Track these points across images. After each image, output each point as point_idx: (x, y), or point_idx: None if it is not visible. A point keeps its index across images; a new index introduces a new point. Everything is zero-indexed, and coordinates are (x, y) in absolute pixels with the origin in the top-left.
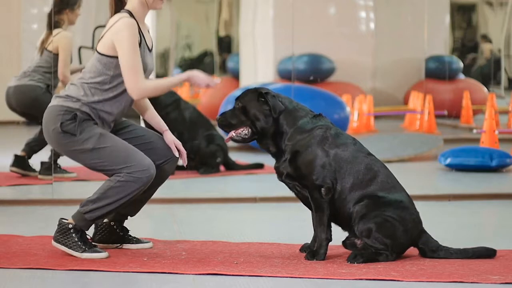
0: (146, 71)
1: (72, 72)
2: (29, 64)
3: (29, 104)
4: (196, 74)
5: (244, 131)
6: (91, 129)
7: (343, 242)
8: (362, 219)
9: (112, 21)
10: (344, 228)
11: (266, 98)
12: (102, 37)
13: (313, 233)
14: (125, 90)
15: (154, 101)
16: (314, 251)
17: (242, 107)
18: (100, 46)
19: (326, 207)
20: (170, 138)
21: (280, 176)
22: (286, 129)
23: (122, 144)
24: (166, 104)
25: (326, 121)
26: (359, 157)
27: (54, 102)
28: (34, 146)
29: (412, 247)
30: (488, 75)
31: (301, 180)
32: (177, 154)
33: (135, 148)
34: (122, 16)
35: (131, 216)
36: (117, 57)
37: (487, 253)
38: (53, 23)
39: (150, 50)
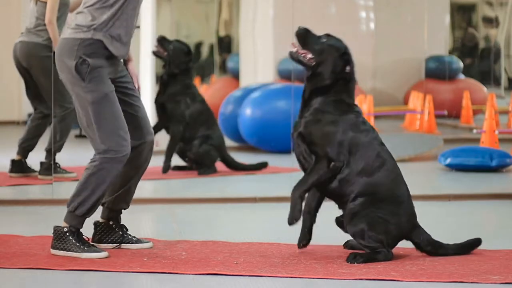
0: None
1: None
2: (29, 15)
3: (35, 62)
4: None
5: (306, 58)
6: (99, 82)
7: (344, 244)
8: (353, 219)
9: None
10: (339, 206)
11: (349, 59)
12: None
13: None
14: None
15: (167, 85)
16: (289, 216)
17: (325, 44)
18: None
19: (322, 177)
20: (134, 70)
21: (295, 131)
22: (332, 91)
23: (116, 116)
24: (177, 93)
25: (360, 110)
26: (374, 144)
27: (66, 34)
28: (26, 146)
29: (405, 240)
30: (488, 72)
31: (312, 146)
32: (136, 85)
33: (124, 125)
34: None
35: (125, 209)
36: None
37: (475, 244)
38: None
39: None
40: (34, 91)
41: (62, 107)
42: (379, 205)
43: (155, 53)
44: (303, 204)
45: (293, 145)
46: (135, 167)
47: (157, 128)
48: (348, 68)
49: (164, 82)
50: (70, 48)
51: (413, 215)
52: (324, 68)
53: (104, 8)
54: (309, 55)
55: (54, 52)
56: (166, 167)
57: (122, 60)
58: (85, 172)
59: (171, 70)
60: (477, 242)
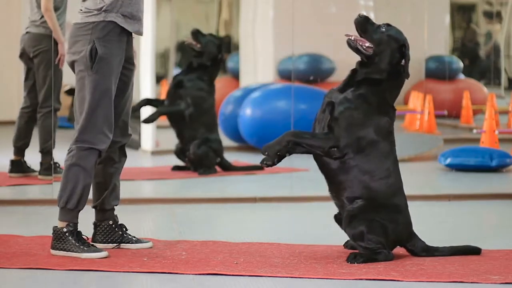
0: None
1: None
2: (31, 6)
3: (41, 53)
4: None
5: (364, 47)
6: (106, 75)
7: (344, 243)
8: (351, 223)
9: None
10: (332, 193)
11: (406, 53)
12: None
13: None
14: None
15: (195, 71)
16: (269, 145)
17: (385, 34)
18: None
19: (317, 149)
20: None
21: (329, 97)
22: (381, 86)
23: (108, 113)
24: (201, 88)
25: (394, 117)
26: (389, 158)
27: (77, 19)
28: (22, 145)
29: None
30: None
31: (333, 121)
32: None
33: (111, 123)
34: None
35: (116, 205)
36: None
37: (472, 252)
38: None
39: None
40: (31, 84)
41: (48, 106)
42: (378, 210)
43: (188, 45)
44: (284, 154)
45: (320, 110)
46: (113, 164)
47: (158, 104)
48: (403, 62)
49: (192, 67)
50: (84, 32)
51: (410, 224)
52: (381, 59)
53: None
54: (367, 44)
55: (55, 42)
56: (150, 119)
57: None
58: (65, 164)
59: (203, 62)
60: (475, 250)
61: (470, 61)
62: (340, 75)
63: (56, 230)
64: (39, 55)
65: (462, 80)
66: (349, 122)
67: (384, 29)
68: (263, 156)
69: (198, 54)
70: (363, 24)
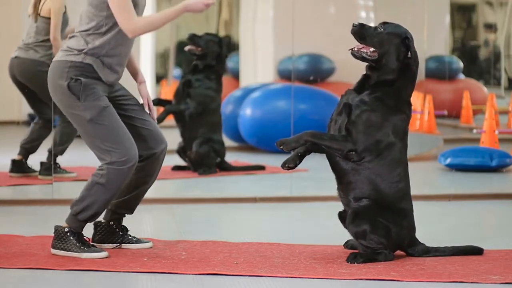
0: (138, 7)
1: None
2: (28, 31)
3: (32, 78)
4: (190, 3)
5: (368, 53)
6: (95, 98)
7: (344, 244)
8: (355, 220)
9: None
10: (340, 192)
11: (410, 44)
12: None
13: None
14: (120, 30)
15: (202, 72)
16: (286, 141)
17: (384, 33)
18: None
19: (335, 151)
20: (145, 92)
21: (346, 98)
22: (396, 85)
23: (117, 127)
24: (209, 86)
25: (411, 114)
26: (402, 160)
27: (57, 56)
28: (29, 148)
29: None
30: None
31: (351, 125)
32: (147, 109)
33: (127, 135)
34: None
35: (129, 214)
36: None
37: (474, 252)
38: None
39: None
40: (33, 101)
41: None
42: (383, 212)
43: (190, 52)
44: (305, 153)
45: (336, 108)
46: (145, 176)
47: (168, 104)
48: (409, 54)
49: (198, 69)
50: (61, 70)
51: (413, 229)
52: (388, 59)
53: (97, 35)
54: (371, 49)
55: None
56: (160, 118)
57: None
58: (91, 179)
59: (208, 63)
60: (477, 250)
61: (470, 61)
62: (340, 75)
63: (58, 229)
64: (33, 81)
65: (462, 80)
66: (367, 125)
67: (382, 29)
68: (280, 148)
69: (201, 56)
70: (360, 32)
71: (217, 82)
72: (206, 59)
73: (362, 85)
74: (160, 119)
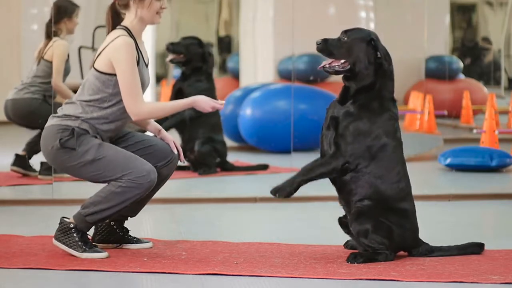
0: (143, 87)
1: (73, 89)
2: (28, 75)
3: (27, 117)
4: (200, 99)
5: (340, 65)
6: (89, 141)
7: (344, 244)
8: (358, 219)
9: (110, 38)
10: (341, 201)
11: (377, 44)
12: (99, 54)
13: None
14: (124, 107)
15: (191, 75)
16: (281, 186)
17: (348, 42)
18: (98, 63)
19: (331, 170)
20: (168, 136)
21: (331, 111)
22: (375, 87)
23: (121, 152)
24: (200, 80)
25: (397, 110)
26: (398, 158)
27: (51, 122)
28: (34, 147)
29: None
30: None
31: (339, 138)
32: (175, 151)
33: (134, 155)
34: (120, 34)
35: (131, 216)
36: (115, 75)
37: (476, 248)
38: (52, 32)
39: (147, 66)
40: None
41: None
42: (386, 213)
43: (173, 62)
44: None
45: (323, 125)
46: (158, 183)
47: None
48: (378, 54)
49: (187, 74)
50: (54, 133)
51: (416, 230)
52: (360, 65)
53: (97, 108)
54: (341, 61)
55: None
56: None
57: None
58: (108, 187)
59: (194, 66)
60: (478, 246)
61: (470, 61)
62: (340, 75)
63: (63, 222)
64: (28, 119)
65: (462, 80)
66: (355, 134)
67: (345, 38)
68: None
69: (186, 62)
70: (325, 47)
71: (208, 81)
72: (191, 63)
73: (345, 96)
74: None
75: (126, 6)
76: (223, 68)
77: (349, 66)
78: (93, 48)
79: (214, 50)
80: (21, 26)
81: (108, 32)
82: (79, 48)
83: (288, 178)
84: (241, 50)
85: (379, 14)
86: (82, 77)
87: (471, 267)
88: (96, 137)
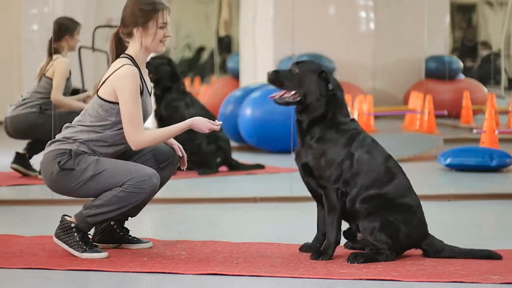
0: (146, 117)
1: (79, 99)
2: (28, 91)
3: (26, 132)
4: (197, 121)
5: (290, 97)
6: (86, 159)
7: (344, 243)
8: (368, 217)
9: (114, 67)
10: (350, 223)
11: (328, 76)
12: (104, 82)
13: (316, 233)
14: (124, 134)
15: (163, 96)
16: (322, 251)
17: (299, 74)
18: (102, 91)
19: (339, 208)
20: (172, 140)
21: (299, 160)
22: (328, 117)
23: (120, 162)
24: (174, 99)
25: (357, 125)
26: (380, 160)
27: (49, 148)
28: (34, 146)
29: (414, 249)
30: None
31: (320, 180)
32: (180, 154)
33: (133, 162)
34: (124, 62)
35: (132, 216)
36: (119, 103)
37: (492, 257)
38: (53, 49)
39: (150, 94)
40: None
41: None
42: (393, 211)
43: None
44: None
45: (300, 172)
46: (160, 183)
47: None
48: (330, 86)
49: (159, 96)
50: (52, 159)
51: (424, 225)
52: (311, 97)
53: (97, 133)
54: (292, 92)
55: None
56: None
57: None
58: (111, 191)
59: (164, 85)
60: (496, 256)
61: (473, 64)
62: (340, 75)
63: (64, 221)
64: (28, 133)
65: (462, 80)
66: (329, 167)
67: (296, 69)
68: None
69: (156, 82)
70: (276, 78)
71: (182, 93)
72: (161, 83)
73: (300, 132)
74: None
75: (130, 34)
76: (223, 68)
77: (300, 97)
78: (93, 48)
79: (214, 50)
80: (21, 26)
81: (112, 60)
82: (79, 48)
83: (324, 243)
84: (241, 50)
85: (379, 14)
86: (82, 77)
87: (471, 267)
88: (93, 155)
